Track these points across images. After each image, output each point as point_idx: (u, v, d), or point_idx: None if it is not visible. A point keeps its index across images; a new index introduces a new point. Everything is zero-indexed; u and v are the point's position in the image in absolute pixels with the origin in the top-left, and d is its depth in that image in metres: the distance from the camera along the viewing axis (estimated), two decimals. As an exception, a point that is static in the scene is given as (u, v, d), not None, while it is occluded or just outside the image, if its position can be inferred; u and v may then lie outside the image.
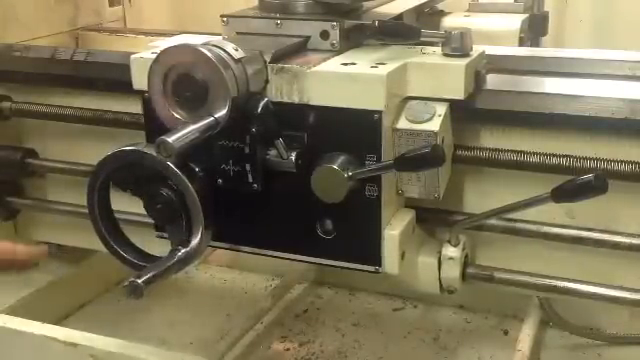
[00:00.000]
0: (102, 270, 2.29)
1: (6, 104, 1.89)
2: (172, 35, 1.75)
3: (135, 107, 1.52)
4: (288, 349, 2.14)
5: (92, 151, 1.44)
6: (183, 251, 1.34)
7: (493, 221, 1.47)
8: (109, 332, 1.77)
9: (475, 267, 1.55)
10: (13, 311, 1.95)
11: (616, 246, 1.43)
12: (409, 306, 2.33)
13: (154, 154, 1.25)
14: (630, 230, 1.43)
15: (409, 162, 1.25)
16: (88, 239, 1.47)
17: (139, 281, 1.24)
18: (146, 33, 2.27)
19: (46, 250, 1.68)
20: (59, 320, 2.15)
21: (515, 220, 1.47)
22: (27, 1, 2.14)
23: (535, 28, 2.10)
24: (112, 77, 1.66)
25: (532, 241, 1.49)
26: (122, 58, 1.52)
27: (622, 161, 1.34)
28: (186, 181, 1.31)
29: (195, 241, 1.35)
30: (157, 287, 2.27)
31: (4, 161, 1.92)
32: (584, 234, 1.44)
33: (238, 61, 1.27)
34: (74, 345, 1.70)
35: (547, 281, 1.49)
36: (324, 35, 1.42)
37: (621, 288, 1.45)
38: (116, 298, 2.36)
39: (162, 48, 1.30)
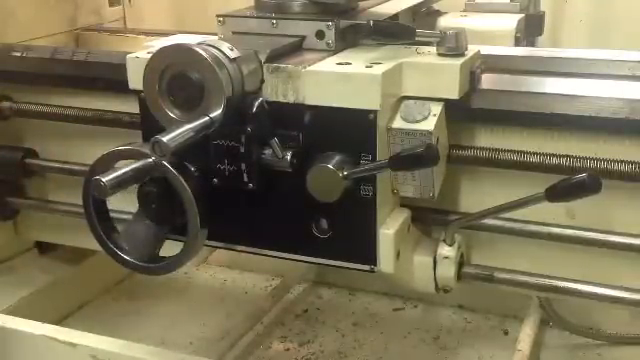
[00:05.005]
0: (102, 270, 2.30)
1: (6, 104, 1.89)
2: (170, 35, 1.75)
3: (135, 107, 1.52)
4: (288, 349, 2.14)
5: (92, 151, 1.44)
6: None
7: (493, 221, 1.47)
8: (109, 332, 1.78)
9: (475, 267, 1.54)
10: (13, 311, 1.95)
11: (616, 246, 1.43)
12: (409, 306, 2.32)
13: (149, 153, 1.25)
14: (630, 230, 1.42)
15: (404, 161, 1.25)
16: (88, 239, 1.47)
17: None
18: (146, 33, 2.27)
19: None
20: (59, 320, 2.15)
21: (515, 220, 1.46)
22: (27, 1, 2.14)
23: (531, 28, 2.10)
24: (112, 77, 1.66)
25: (532, 241, 1.49)
26: (122, 58, 1.52)
27: (622, 161, 1.34)
28: (181, 180, 1.31)
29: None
30: (156, 288, 2.26)
31: (4, 161, 1.93)
32: (584, 234, 1.44)
33: (233, 61, 1.27)
34: (74, 345, 1.71)
35: (547, 281, 1.48)
36: (319, 35, 1.42)
37: (621, 288, 1.44)
38: (116, 298, 2.37)
39: (158, 48, 1.30)
